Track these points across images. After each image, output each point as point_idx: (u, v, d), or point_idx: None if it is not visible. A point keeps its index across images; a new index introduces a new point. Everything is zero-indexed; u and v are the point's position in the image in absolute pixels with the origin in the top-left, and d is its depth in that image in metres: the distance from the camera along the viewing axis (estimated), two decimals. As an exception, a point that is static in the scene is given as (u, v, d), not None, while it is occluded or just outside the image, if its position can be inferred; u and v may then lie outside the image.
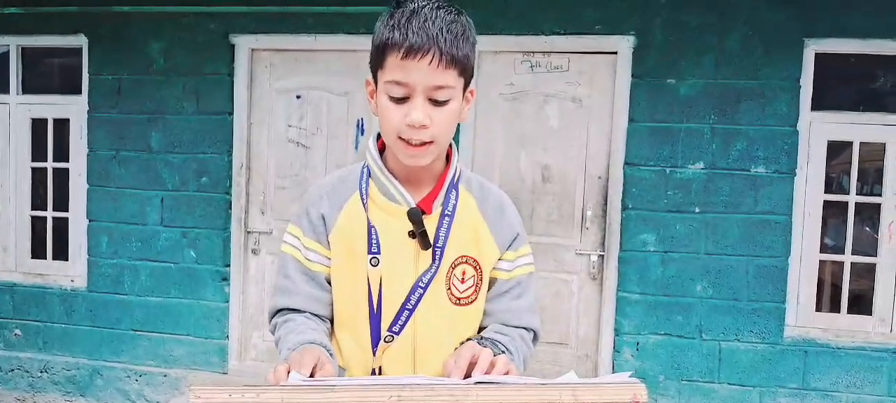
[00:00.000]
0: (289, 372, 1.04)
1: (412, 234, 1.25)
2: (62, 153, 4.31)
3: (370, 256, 1.24)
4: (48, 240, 4.39)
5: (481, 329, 1.34)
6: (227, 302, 4.13)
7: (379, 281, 1.25)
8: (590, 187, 3.81)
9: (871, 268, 3.64)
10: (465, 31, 1.17)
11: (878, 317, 3.62)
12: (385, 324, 1.25)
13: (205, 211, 4.11)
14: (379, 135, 1.30)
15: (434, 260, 1.25)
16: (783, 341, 3.64)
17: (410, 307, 1.24)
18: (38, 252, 4.42)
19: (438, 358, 1.25)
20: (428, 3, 1.15)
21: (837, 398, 3.61)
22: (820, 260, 3.66)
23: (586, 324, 3.89)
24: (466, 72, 1.19)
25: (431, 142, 1.18)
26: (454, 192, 1.29)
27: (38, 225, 4.42)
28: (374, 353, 1.26)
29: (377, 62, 1.19)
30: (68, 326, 4.33)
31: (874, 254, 3.63)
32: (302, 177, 4.06)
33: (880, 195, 3.61)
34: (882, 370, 3.57)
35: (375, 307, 1.25)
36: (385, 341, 1.25)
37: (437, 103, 1.16)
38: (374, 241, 1.25)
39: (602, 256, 3.80)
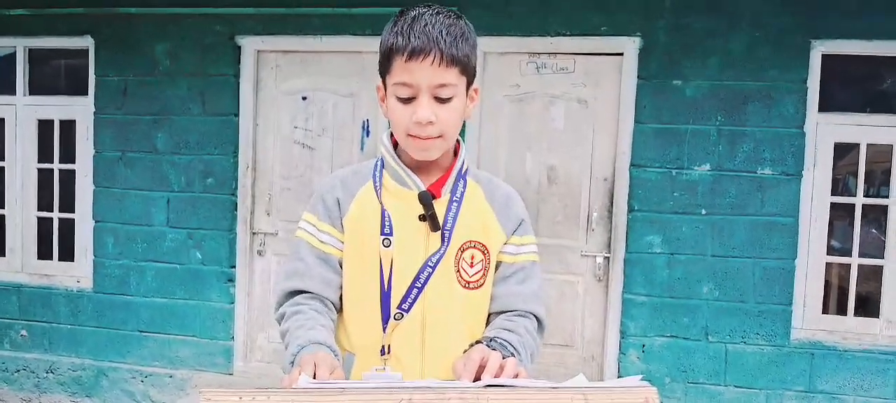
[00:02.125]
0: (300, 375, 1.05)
1: (422, 217, 1.31)
2: (68, 154, 4.32)
3: (382, 237, 1.31)
4: (54, 241, 4.40)
5: (490, 316, 1.39)
6: (233, 303, 4.13)
7: (390, 261, 1.31)
8: (595, 189, 3.81)
9: (878, 271, 3.62)
10: (465, 32, 1.25)
11: (885, 320, 3.60)
12: (395, 302, 1.30)
13: (210, 213, 4.11)
14: (392, 133, 1.38)
15: (443, 242, 1.31)
16: (790, 343, 3.62)
17: (419, 285, 1.30)
18: (44, 253, 4.43)
19: (447, 339, 1.32)
20: (429, 10, 1.23)
21: (844, 400, 3.59)
22: (827, 263, 3.64)
23: (592, 326, 3.88)
24: (468, 71, 1.28)
25: (440, 136, 1.27)
26: (462, 181, 1.36)
27: (43, 226, 4.43)
28: (383, 331, 1.31)
29: (384, 67, 1.28)
30: (74, 327, 4.34)
31: (881, 256, 3.61)
32: (307, 178, 4.06)
33: (887, 197, 3.59)
34: (889, 372, 3.56)
35: (386, 285, 1.31)
36: (394, 318, 1.30)
37: (441, 100, 1.24)
38: (386, 224, 1.31)
39: (608, 258, 3.80)
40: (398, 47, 1.21)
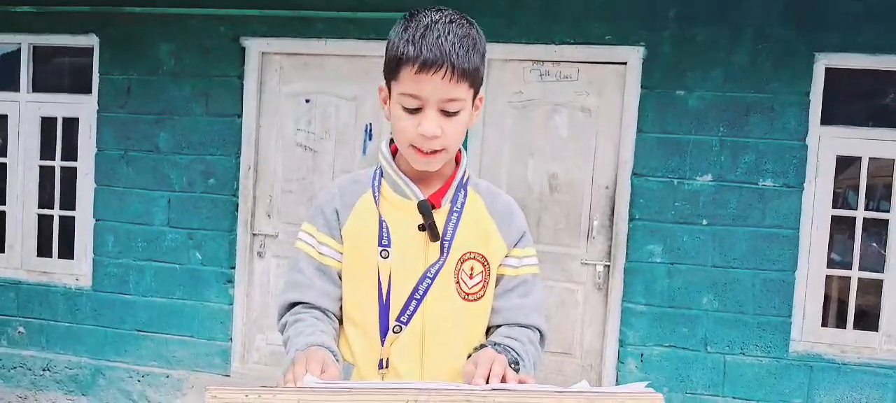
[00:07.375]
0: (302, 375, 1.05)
1: (422, 227, 1.29)
2: (70, 152, 4.32)
3: (380, 248, 1.29)
4: (54, 239, 4.39)
5: (489, 328, 1.38)
6: (232, 304, 4.12)
7: (389, 273, 1.29)
8: (597, 197, 3.81)
9: (878, 284, 3.62)
10: (476, 43, 1.22)
11: (884, 333, 3.60)
12: (393, 315, 1.29)
13: (211, 213, 4.11)
14: (391, 140, 1.36)
15: (442, 252, 1.29)
16: (789, 355, 3.62)
17: (418, 297, 1.28)
18: (43, 250, 4.42)
19: (446, 352, 1.31)
20: (441, 17, 1.19)
21: (843, 414, 3.60)
22: (827, 275, 3.64)
23: (591, 335, 3.88)
24: (476, 83, 1.25)
25: (443, 149, 1.24)
26: (463, 192, 1.34)
27: (44, 223, 4.42)
28: (382, 344, 1.29)
29: (391, 73, 1.23)
30: (72, 325, 4.33)
31: (881, 270, 3.61)
32: (309, 181, 4.06)
33: (888, 211, 3.60)
34: (888, 386, 3.55)
35: (385, 298, 1.29)
36: (393, 332, 1.29)
37: (448, 114, 1.21)
38: (384, 235, 1.29)
39: (608, 266, 3.80)
40: (408, 57, 1.17)
